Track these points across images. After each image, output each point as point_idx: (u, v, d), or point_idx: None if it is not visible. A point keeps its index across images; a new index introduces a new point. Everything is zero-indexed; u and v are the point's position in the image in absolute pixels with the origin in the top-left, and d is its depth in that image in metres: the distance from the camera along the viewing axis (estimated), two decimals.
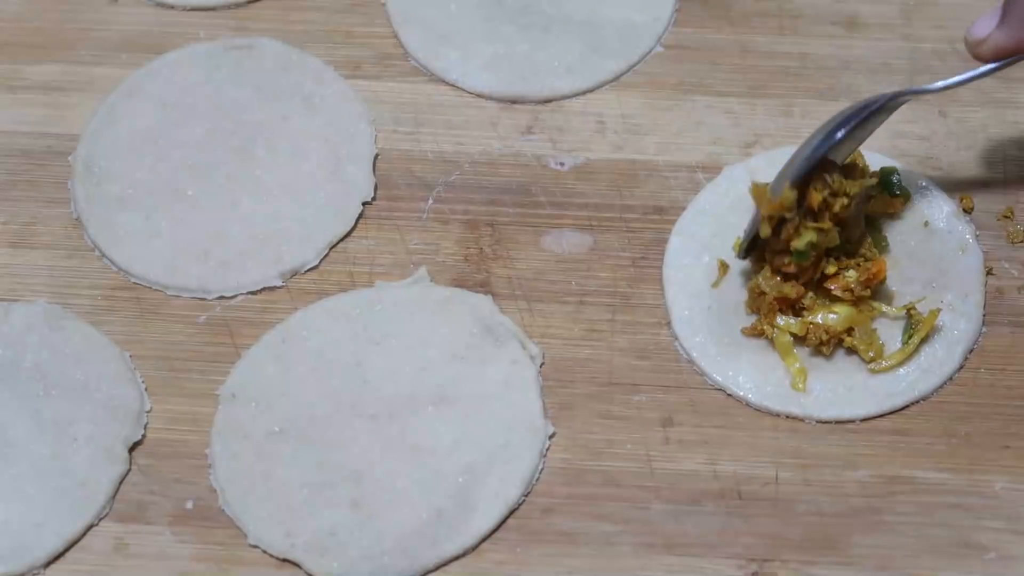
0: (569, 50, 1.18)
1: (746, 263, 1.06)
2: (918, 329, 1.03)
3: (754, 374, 1.04)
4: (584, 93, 1.17)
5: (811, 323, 1.03)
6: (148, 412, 1.05)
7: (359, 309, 1.08)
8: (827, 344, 1.03)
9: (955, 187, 1.11)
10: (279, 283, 1.10)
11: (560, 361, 1.06)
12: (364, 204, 1.12)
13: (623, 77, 1.18)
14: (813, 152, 1.00)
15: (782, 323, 1.04)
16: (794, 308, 1.04)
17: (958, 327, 1.04)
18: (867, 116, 1.01)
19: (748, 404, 1.03)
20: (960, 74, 1.03)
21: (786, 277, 1.03)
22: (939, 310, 1.03)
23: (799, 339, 1.04)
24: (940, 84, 1.03)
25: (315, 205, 1.12)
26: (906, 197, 1.09)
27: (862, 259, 1.04)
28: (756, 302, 1.04)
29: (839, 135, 1.00)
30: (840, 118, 1.01)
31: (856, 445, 1.02)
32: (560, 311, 1.08)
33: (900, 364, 1.03)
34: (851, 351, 1.04)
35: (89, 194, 1.13)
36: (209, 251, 1.11)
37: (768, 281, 1.03)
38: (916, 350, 1.03)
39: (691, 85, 1.17)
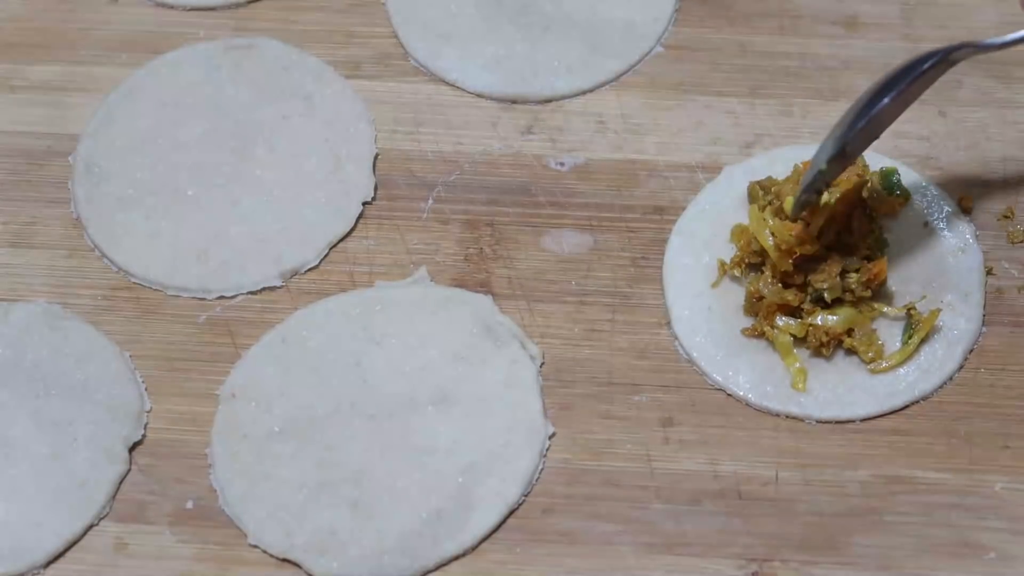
0: (569, 50, 1.18)
1: (743, 269, 1.06)
2: (918, 329, 1.03)
3: (754, 374, 1.04)
4: (584, 93, 1.17)
5: (811, 324, 1.03)
6: (148, 412, 1.05)
7: (359, 309, 1.08)
8: (827, 345, 1.03)
9: (955, 187, 1.11)
10: (279, 283, 1.10)
11: (560, 361, 1.06)
12: (364, 204, 1.12)
13: (623, 77, 1.17)
14: (860, 116, 0.98)
15: (782, 324, 1.04)
16: (793, 309, 1.04)
17: (958, 327, 1.04)
18: (919, 75, 0.98)
19: (748, 404, 1.03)
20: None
21: (787, 284, 1.03)
22: (939, 310, 1.03)
23: (799, 340, 1.04)
24: (1000, 40, 1.00)
25: (315, 205, 1.12)
26: (906, 197, 1.09)
27: (863, 259, 1.04)
28: (754, 307, 1.04)
29: (886, 100, 0.98)
30: (886, 79, 0.98)
31: (856, 445, 1.02)
32: (560, 311, 1.08)
33: (900, 364, 1.03)
34: (851, 351, 1.04)
35: (89, 194, 1.13)
36: (209, 251, 1.11)
37: (769, 286, 1.03)
38: (916, 350, 1.03)
39: (691, 85, 1.17)
